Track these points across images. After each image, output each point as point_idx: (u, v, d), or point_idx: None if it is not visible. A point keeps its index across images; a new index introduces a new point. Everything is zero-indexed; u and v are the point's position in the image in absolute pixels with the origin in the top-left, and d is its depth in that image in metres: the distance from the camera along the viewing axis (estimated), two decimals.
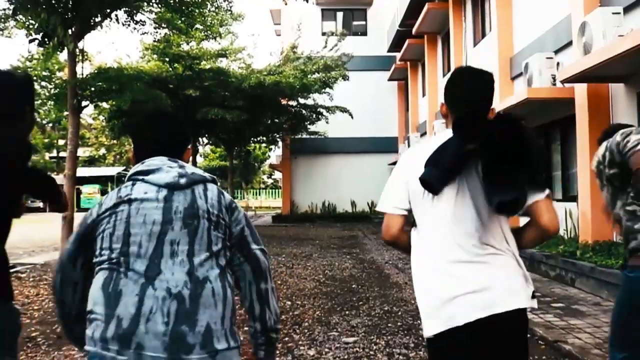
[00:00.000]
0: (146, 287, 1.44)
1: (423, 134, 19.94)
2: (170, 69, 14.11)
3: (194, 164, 16.76)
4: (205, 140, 27.42)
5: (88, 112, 28.70)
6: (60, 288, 1.64)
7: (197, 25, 11.32)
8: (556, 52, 9.22)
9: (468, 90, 1.89)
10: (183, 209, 1.54)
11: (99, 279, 1.50)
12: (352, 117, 19.03)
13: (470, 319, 1.70)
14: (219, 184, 1.72)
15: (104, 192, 41.86)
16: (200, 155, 35.14)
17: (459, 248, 1.76)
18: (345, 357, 4.31)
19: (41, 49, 8.09)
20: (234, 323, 1.56)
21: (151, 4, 9.18)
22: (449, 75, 1.97)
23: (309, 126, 20.18)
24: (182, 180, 1.58)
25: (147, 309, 1.42)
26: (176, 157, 1.67)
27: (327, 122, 19.41)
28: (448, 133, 1.83)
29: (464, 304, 1.71)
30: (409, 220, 1.93)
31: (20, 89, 2.10)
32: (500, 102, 10.27)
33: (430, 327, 1.77)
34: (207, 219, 1.56)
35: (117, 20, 8.50)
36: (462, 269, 1.74)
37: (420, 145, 1.95)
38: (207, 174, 1.68)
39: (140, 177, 1.60)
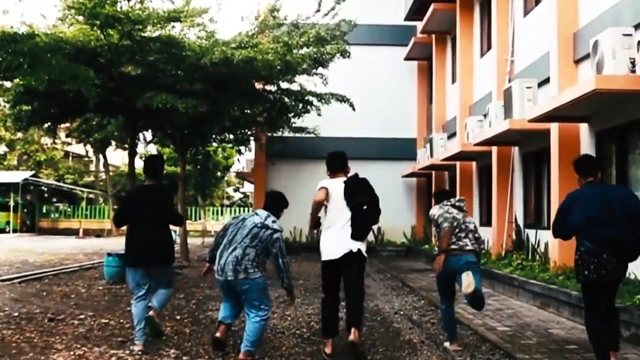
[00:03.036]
0: (230, 253, 6.83)
1: (452, 136, 20.04)
2: (102, 36, 14.08)
3: (131, 169, 16.57)
4: (149, 137, 27.34)
5: None
6: (215, 247, 7.19)
7: None
8: (636, 27, 9.34)
9: (338, 163, 7.60)
10: (253, 235, 6.91)
11: (221, 249, 7.03)
12: (353, 109, 19.10)
13: (339, 255, 7.11)
14: (273, 224, 7.12)
15: (3, 207, 41.29)
16: (141, 158, 34.89)
17: (345, 227, 7.11)
18: None
19: None
20: (261, 266, 6.84)
21: None
22: (327, 156, 7.85)
23: (293, 120, 20.21)
24: (255, 227, 6.96)
25: (228, 260, 6.80)
26: (273, 213, 7.22)
27: (319, 115, 19.38)
28: (340, 182, 7.31)
29: (339, 249, 7.13)
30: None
31: (161, 160, 8.47)
32: (559, 94, 10.36)
33: (326, 256, 7.23)
34: (259, 240, 6.89)
35: None
36: (342, 235, 7.10)
37: (331, 183, 7.37)
38: (267, 224, 6.98)
39: (253, 214, 7.24)
